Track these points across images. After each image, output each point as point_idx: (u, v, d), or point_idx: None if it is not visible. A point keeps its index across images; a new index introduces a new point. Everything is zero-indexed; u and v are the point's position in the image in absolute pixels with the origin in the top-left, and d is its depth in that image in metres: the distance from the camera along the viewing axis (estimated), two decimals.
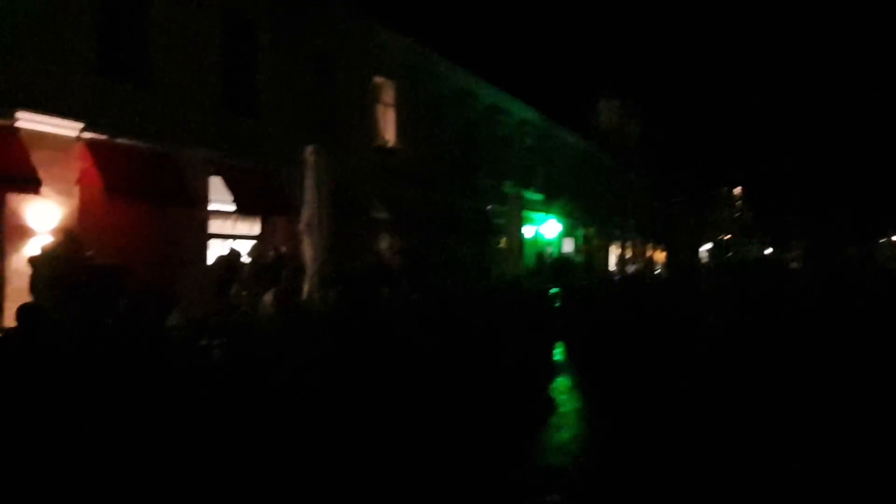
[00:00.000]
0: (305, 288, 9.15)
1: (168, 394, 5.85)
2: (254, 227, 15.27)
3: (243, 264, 11.32)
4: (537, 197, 29.72)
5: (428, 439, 5.47)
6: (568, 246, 33.68)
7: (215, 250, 13.61)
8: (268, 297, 8.52)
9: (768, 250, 68.30)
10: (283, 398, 5.77)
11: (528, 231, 29.39)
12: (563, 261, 22.20)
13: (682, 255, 39.05)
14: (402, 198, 19.32)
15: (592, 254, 34.76)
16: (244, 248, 13.38)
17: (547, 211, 30.51)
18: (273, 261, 12.17)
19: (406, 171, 19.64)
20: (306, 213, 9.63)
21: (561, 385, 8.54)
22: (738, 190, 65.75)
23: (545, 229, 30.38)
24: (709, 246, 55.03)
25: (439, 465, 4.93)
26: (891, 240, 60.09)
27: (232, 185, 13.81)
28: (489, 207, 23.98)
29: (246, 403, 5.68)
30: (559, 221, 30.78)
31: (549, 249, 31.29)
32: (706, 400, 7.52)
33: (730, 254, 54.78)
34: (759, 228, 65.50)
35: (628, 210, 37.97)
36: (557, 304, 14.25)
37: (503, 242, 18.93)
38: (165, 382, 5.97)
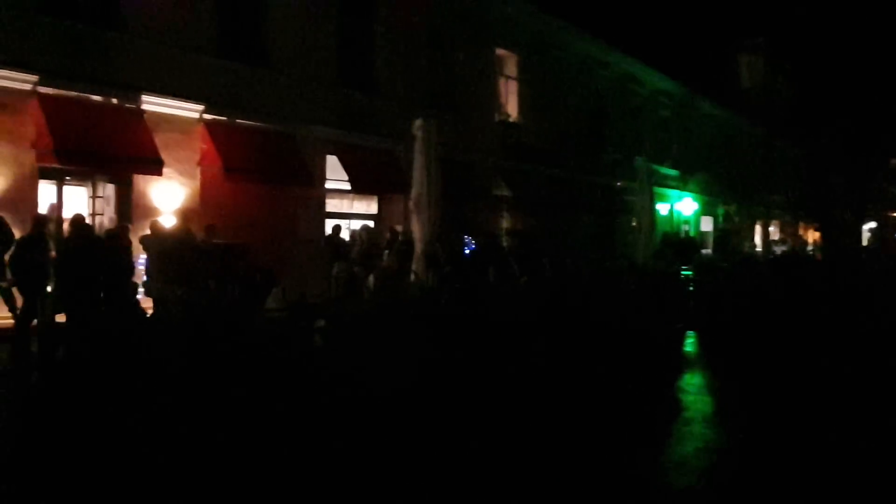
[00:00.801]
0: (414, 268, 8.73)
1: (256, 377, 5.61)
2: (371, 205, 15.13)
3: (347, 243, 11.10)
4: (672, 172, 27.74)
5: (519, 449, 4.79)
6: (706, 225, 31.33)
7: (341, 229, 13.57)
8: (371, 279, 8.16)
9: None
10: (370, 391, 5.30)
11: (662, 209, 27.60)
12: (685, 240, 20.34)
13: (839, 234, 35.14)
14: (525, 174, 18.51)
15: (734, 233, 32.08)
16: (360, 227, 13.24)
17: (683, 187, 28.45)
18: (388, 240, 11.93)
19: (530, 146, 18.77)
20: (415, 191, 9.19)
21: (689, 383, 7.43)
22: None
23: (681, 207, 28.35)
24: (872, 225, 49.42)
25: (530, 487, 4.23)
26: None
27: (348, 164, 13.68)
28: (619, 184, 22.51)
29: (330, 393, 5.27)
30: (696, 199, 28.63)
31: (686, 228, 29.22)
32: (864, 409, 6.23)
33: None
34: None
35: (777, 185, 34.66)
36: (691, 289, 12.86)
37: (634, 221, 17.60)
38: (254, 366, 5.72)
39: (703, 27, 25.44)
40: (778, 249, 31.35)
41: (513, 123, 18.75)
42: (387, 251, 11.51)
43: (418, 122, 9.32)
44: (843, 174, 32.36)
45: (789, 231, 39.22)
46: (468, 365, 6.15)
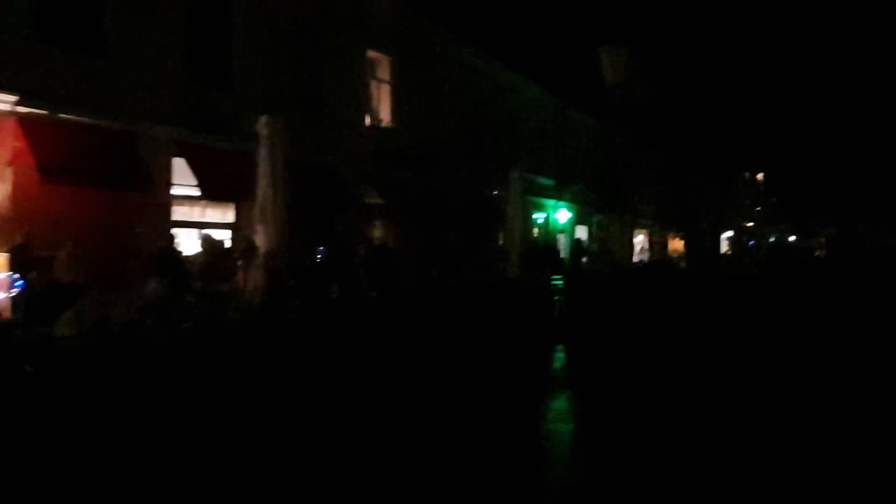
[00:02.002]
0: (252, 282, 7.75)
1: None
2: (227, 213, 13.85)
3: (179, 256, 9.92)
4: (549, 182, 28.06)
5: None
6: (581, 233, 32.02)
7: (182, 239, 12.21)
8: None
9: (792, 237, 65.98)
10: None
11: (539, 218, 27.86)
12: (545, 248, 20.37)
13: (701, 242, 37.18)
14: (398, 182, 17.81)
15: (606, 241, 33.05)
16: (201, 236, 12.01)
17: (559, 197, 28.88)
18: (242, 251, 10.84)
19: (404, 153, 18.10)
20: (260, 196, 8.22)
21: (554, 410, 6.84)
22: (760, 175, 63.37)
23: (557, 216, 28.77)
24: (730, 234, 52.99)
25: None
26: None
27: (197, 167, 12.37)
28: (496, 194, 22.34)
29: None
30: (571, 208, 29.14)
31: (561, 237, 29.72)
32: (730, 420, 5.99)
33: (752, 241, 52.70)
34: (782, 215, 63.17)
35: (646, 195, 36.13)
36: (557, 299, 12.63)
37: (506, 231, 17.37)
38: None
39: (570, 25, 25.52)
40: (646, 257, 32.62)
41: (386, 129, 18.03)
42: (239, 262, 10.45)
43: (263, 120, 8.37)
44: (704, 186, 34.21)
45: (657, 240, 41.09)
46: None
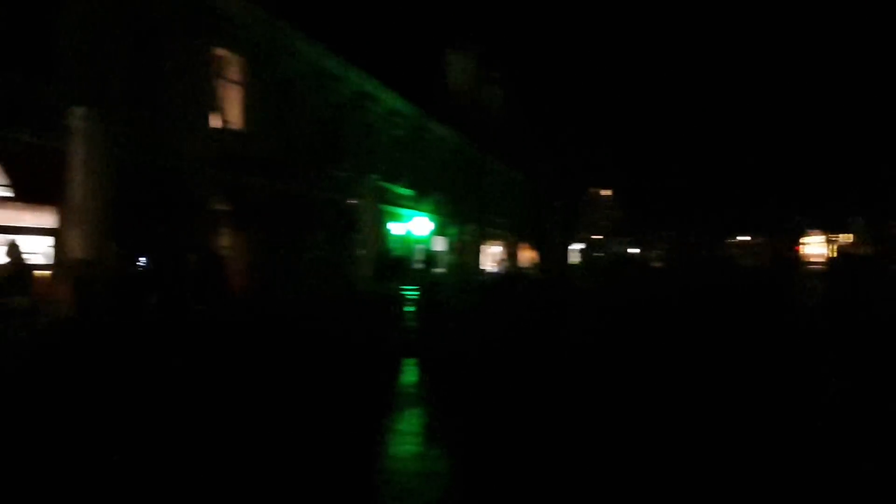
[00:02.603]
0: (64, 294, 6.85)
1: None
2: (45, 218, 12.35)
3: None
4: (407, 192, 28.03)
5: None
6: (440, 244, 32.27)
7: None
8: None
9: (635, 250, 70.83)
10: None
11: (397, 229, 27.69)
12: (395, 258, 20.12)
13: (553, 254, 38.81)
14: (249, 188, 16.91)
15: (464, 252, 33.59)
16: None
17: (418, 207, 28.91)
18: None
19: (256, 158, 17.23)
20: (73, 196, 7.30)
21: (399, 432, 6.13)
22: (608, 192, 67.62)
23: (415, 227, 28.76)
24: (581, 246, 55.91)
25: None
26: (737, 239, 65.00)
27: (8, 166, 10.94)
28: (353, 202, 21.89)
29: None
30: (431, 219, 29.25)
31: (420, 248, 29.74)
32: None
33: (601, 253, 55.94)
34: (627, 229, 67.64)
35: (502, 207, 37.21)
36: (409, 309, 12.38)
37: (361, 241, 16.97)
38: None
39: (430, 32, 25.59)
40: (499, 268, 33.49)
41: (236, 132, 17.07)
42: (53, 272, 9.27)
43: (78, 112, 7.45)
44: (554, 200, 35.76)
45: (514, 251, 42.42)
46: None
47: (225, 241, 16.26)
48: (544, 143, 32.66)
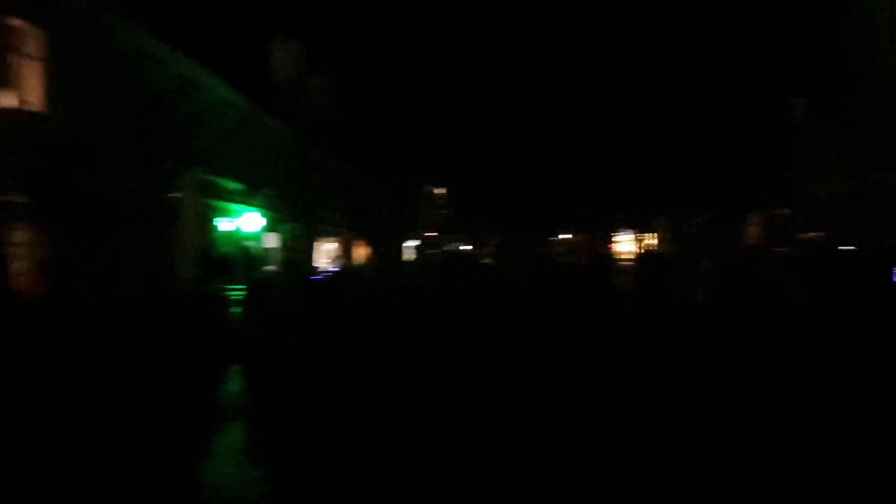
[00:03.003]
0: None
1: None
2: None
3: None
4: (237, 186, 26.78)
5: None
6: (272, 241, 31.23)
7: None
8: None
9: (467, 247, 73.29)
10: None
11: (227, 225, 26.39)
12: (221, 256, 19.27)
13: (386, 251, 39.05)
14: (52, 178, 15.21)
15: (297, 250, 32.81)
16: None
17: (249, 203, 27.74)
18: None
19: (60, 144, 15.55)
20: None
21: (217, 463, 5.34)
22: (442, 190, 69.30)
23: (245, 223, 27.58)
24: (416, 243, 56.77)
25: None
26: (559, 238, 69.91)
27: None
28: (177, 196, 20.49)
29: None
30: (262, 215, 28.22)
31: (251, 245, 28.61)
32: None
33: (434, 251, 57.11)
34: (460, 227, 69.76)
35: (335, 204, 36.78)
36: (236, 311, 11.85)
37: (185, 237, 15.94)
38: None
39: (260, 21, 24.41)
40: (336, 266, 33.10)
41: (35, 114, 15.27)
42: None
43: None
44: (387, 197, 35.98)
45: (348, 248, 42.13)
46: None
47: (19, 235, 14.53)
48: (377, 139, 32.72)
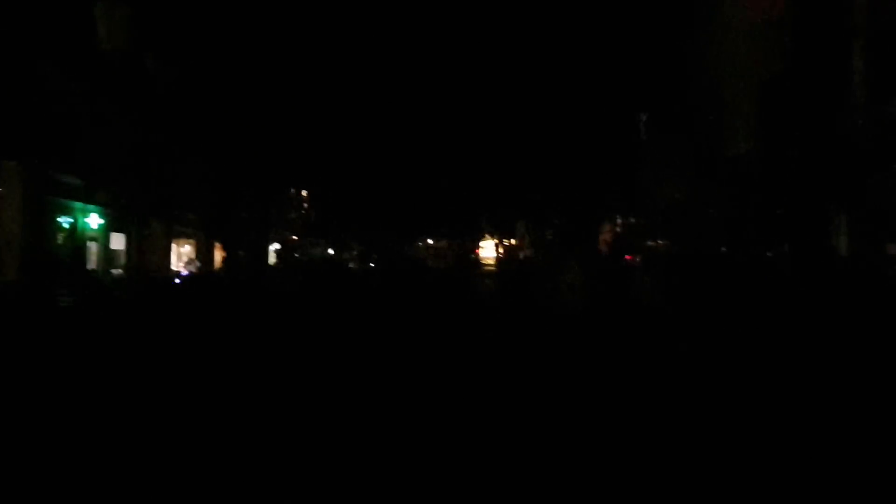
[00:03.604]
0: None
1: None
2: None
3: None
4: (76, 182, 24.40)
5: None
6: (118, 242, 28.80)
7: None
8: None
9: (330, 251, 72.02)
10: None
11: (64, 223, 24.03)
12: (48, 257, 17.41)
13: (244, 254, 37.37)
14: None
15: (149, 252, 30.53)
16: None
17: (91, 200, 25.36)
18: None
19: None
20: None
21: None
22: (303, 192, 67.53)
23: (88, 222, 25.23)
24: (277, 246, 54.91)
25: None
26: (427, 242, 70.66)
27: None
28: None
29: None
30: (103, 213, 25.96)
31: (93, 246, 26.24)
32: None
33: (297, 254, 55.57)
34: (322, 230, 68.33)
35: (193, 201, 34.61)
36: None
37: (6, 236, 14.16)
38: None
39: None
40: (191, 270, 31.15)
41: None
42: None
43: None
44: (246, 198, 34.42)
45: (205, 250, 39.79)
46: None
47: None
48: (234, 135, 31.16)
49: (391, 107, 46.20)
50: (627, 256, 32.76)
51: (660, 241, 38.11)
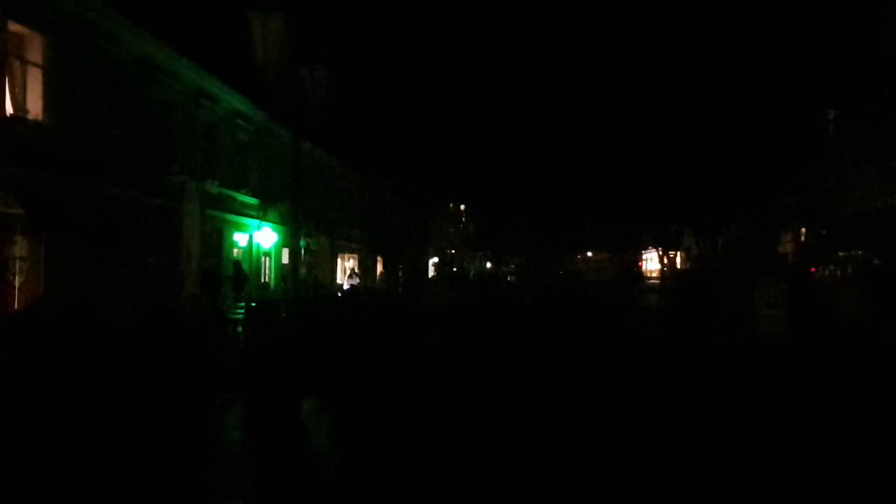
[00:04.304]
0: None
1: None
2: None
3: None
4: (252, 201, 26.07)
5: None
6: (288, 257, 30.39)
7: None
8: None
9: (489, 264, 72.13)
10: None
11: (241, 240, 25.68)
12: (213, 271, 17.99)
13: (407, 268, 38.04)
14: (53, 189, 14.48)
15: (315, 266, 31.95)
16: None
17: (263, 217, 27.01)
18: None
19: (64, 154, 14.84)
20: None
21: None
22: (461, 206, 68.32)
23: (260, 238, 26.84)
24: (436, 260, 55.83)
25: None
26: (587, 255, 67.72)
27: None
28: (184, 209, 19.68)
29: None
30: (276, 230, 27.45)
31: (266, 260, 27.87)
32: None
33: (455, 268, 56.08)
34: (481, 244, 68.62)
35: (354, 218, 35.92)
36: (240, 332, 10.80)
37: (185, 251, 15.04)
38: None
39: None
40: (353, 284, 32.14)
41: (34, 123, 14.57)
42: None
43: None
44: (406, 213, 34.96)
45: (367, 264, 41.17)
46: None
47: (16, 249, 13.78)
48: (394, 150, 31.79)
49: (552, 124, 45.14)
50: (812, 269, 29.21)
51: (856, 252, 33.60)
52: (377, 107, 31.52)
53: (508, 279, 52.33)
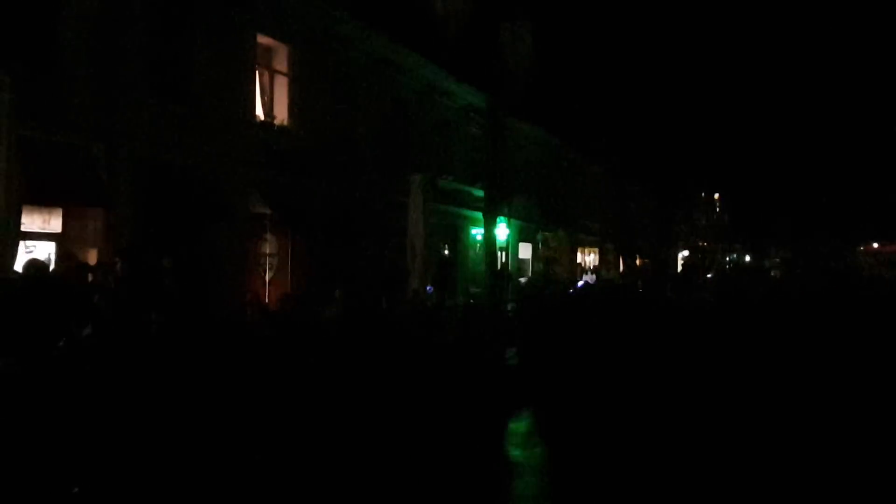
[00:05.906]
0: None
1: None
2: (51, 221, 11.15)
3: None
4: (479, 194, 25.84)
5: None
6: (525, 252, 29.90)
7: None
8: None
9: (747, 257, 65.25)
10: None
11: (476, 234, 25.67)
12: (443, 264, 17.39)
13: (647, 262, 35.38)
14: (298, 191, 15.35)
15: (553, 260, 30.99)
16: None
17: (498, 212, 26.66)
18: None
19: (306, 157, 15.69)
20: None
21: None
22: (714, 195, 62.50)
23: (496, 232, 26.55)
24: (685, 253, 51.67)
25: None
26: (872, 246, 56.75)
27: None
28: (421, 205, 19.92)
29: None
30: (510, 224, 26.94)
31: (502, 255, 27.55)
32: None
33: (707, 262, 51.41)
34: (737, 235, 62.27)
35: (593, 211, 34.29)
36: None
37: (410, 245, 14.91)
38: None
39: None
40: (591, 278, 30.62)
41: (280, 128, 15.57)
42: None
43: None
44: (651, 203, 32.45)
45: (609, 259, 39.19)
46: None
47: (265, 247, 14.79)
48: (640, 139, 29.56)
49: (819, 88, 39.06)
50: None
51: None
52: (614, 91, 29.64)
53: (772, 273, 46.43)
